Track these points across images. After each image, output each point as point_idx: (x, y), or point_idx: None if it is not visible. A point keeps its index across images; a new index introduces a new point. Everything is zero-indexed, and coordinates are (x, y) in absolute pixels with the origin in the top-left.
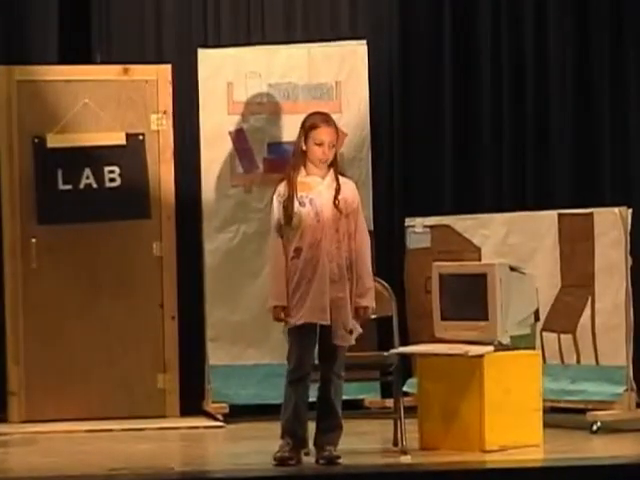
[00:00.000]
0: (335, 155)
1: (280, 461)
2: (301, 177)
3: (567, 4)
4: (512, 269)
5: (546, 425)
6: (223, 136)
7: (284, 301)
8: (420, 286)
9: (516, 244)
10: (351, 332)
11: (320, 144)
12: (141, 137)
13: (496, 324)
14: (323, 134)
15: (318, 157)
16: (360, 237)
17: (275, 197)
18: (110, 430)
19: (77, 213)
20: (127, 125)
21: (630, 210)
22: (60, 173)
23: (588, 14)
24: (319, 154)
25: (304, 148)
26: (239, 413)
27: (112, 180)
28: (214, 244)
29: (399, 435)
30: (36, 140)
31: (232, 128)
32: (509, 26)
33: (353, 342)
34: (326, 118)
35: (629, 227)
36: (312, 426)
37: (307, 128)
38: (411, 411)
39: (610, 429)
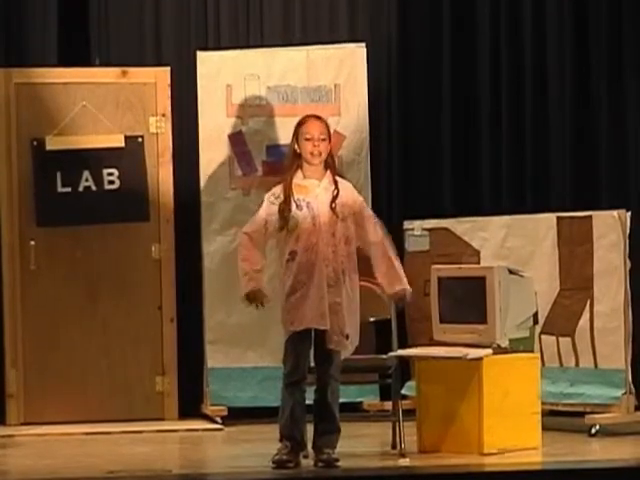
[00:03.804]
0: (332, 157)
1: (278, 464)
2: (298, 180)
3: (566, 6)
4: (511, 272)
5: (545, 428)
6: (222, 139)
7: (259, 284)
8: (419, 289)
9: (515, 247)
10: (347, 337)
11: (309, 138)
12: (140, 139)
13: (495, 327)
14: (311, 127)
15: (310, 151)
16: (375, 232)
17: (268, 196)
18: (108, 433)
19: (76, 215)
20: (126, 128)
21: (629, 213)
22: (59, 175)
23: (588, 17)
24: (310, 148)
25: (297, 150)
26: (238, 416)
27: (111, 182)
28: (213, 246)
29: (398, 438)
30: (35, 143)
31: (231, 131)
32: (508, 29)
33: (349, 353)
34: (314, 114)
35: (628, 230)
36: (311, 429)
37: (297, 127)
38: (410, 414)
39: (609, 432)
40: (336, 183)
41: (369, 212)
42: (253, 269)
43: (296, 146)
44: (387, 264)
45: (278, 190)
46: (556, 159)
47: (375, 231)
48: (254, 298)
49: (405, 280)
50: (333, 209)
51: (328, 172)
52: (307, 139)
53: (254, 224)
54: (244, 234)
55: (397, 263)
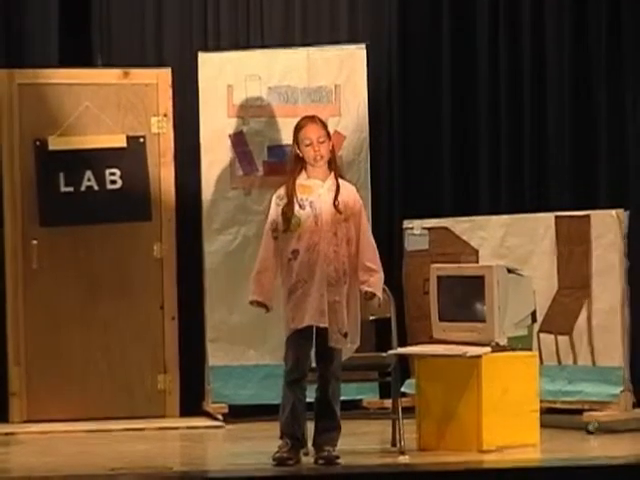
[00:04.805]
0: (335, 158)
1: (279, 461)
2: (302, 180)
3: (565, 7)
4: (509, 271)
5: (543, 425)
6: (223, 139)
7: (265, 298)
8: (418, 288)
9: (513, 246)
10: (346, 335)
11: (309, 143)
12: (142, 140)
13: (494, 325)
14: (309, 132)
15: (311, 156)
16: (365, 237)
17: (274, 198)
18: (110, 430)
19: (78, 215)
20: (128, 128)
21: (627, 213)
22: (62, 175)
23: (587, 15)
24: (311, 153)
25: (300, 154)
26: (238, 413)
27: (113, 182)
28: (214, 246)
29: (397, 435)
30: (38, 143)
31: (232, 131)
32: (507, 30)
33: (351, 352)
34: (311, 117)
35: (626, 229)
36: (311, 426)
37: (295, 133)
38: (409, 412)
39: (607, 429)
40: (339, 182)
41: (365, 219)
42: (264, 278)
43: (298, 150)
44: (369, 268)
45: (283, 191)
46: (554, 159)
47: (368, 237)
48: (257, 307)
49: (379, 287)
50: (336, 207)
51: (332, 173)
52: (307, 145)
53: (268, 227)
54: (267, 238)
55: (380, 274)
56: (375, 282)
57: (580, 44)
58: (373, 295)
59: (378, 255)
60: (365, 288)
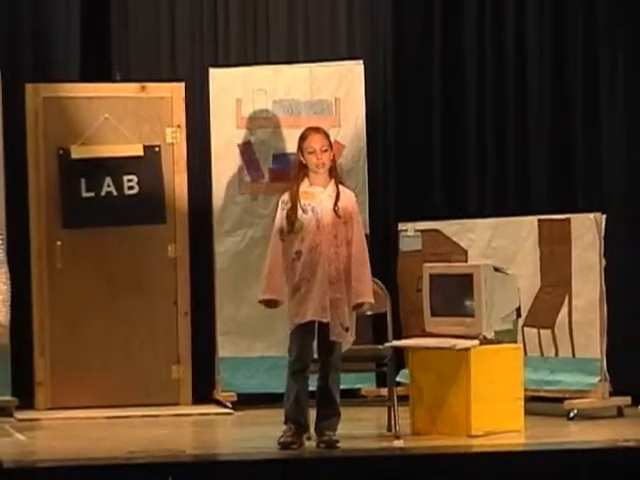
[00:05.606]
0: (335, 166)
1: (284, 445)
2: (305, 187)
3: (546, 28)
4: (496, 270)
5: (527, 412)
6: (232, 148)
7: (275, 295)
8: (412, 285)
9: (500, 247)
10: (347, 329)
11: (312, 152)
12: (157, 149)
13: (481, 320)
14: (312, 141)
15: (314, 163)
16: (357, 242)
17: (280, 203)
18: (128, 417)
19: (99, 218)
20: (144, 138)
21: (604, 216)
22: (83, 182)
23: (564, 24)
24: (314, 160)
25: (303, 161)
26: (246, 401)
27: (131, 188)
28: (223, 247)
29: (393, 421)
30: (61, 152)
31: (240, 141)
32: (492, 48)
33: (349, 344)
34: (315, 128)
35: (603, 232)
36: (313, 413)
37: (300, 142)
38: (404, 399)
39: (586, 416)
40: (339, 189)
41: (360, 225)
42: (273, 277)
43: (301, 158)
44: (357, 276)
45: (287, 197)
46: (536, 168)
47: (360, 242)
48: (267, 305)
49: (370, 293)
50: (336, 212)
51: (332, 180)
52: (310, 152)
53: (275, 230)
54: (275, 240)
55: (367, 277)
56: (363, 289)
57: (559, 63)
58: (362, 304)
59: (367, 257)
60: (354, 300)
